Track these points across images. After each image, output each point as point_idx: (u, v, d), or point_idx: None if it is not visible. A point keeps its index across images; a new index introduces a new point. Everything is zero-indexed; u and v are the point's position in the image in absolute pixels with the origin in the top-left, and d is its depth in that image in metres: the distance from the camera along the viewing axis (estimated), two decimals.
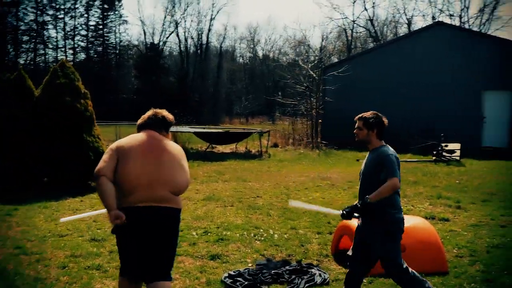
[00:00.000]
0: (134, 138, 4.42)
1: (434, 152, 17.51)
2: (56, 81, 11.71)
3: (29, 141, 11.20)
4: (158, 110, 4.65)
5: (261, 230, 7.85)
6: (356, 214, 4.68)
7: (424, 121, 21.81)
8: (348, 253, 4.97)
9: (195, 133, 20.95)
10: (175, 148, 4.47)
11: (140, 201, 4.13)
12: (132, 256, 4.31)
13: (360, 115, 4.76)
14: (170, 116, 4.65)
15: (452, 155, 17.21)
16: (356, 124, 4.76)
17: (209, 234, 7.64)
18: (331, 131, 23.46)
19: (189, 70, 65.57)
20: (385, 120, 4.72)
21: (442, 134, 17.74)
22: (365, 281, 5.67)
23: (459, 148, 17.21)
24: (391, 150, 4.62)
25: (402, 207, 4.70)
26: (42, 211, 9.32)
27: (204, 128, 25.70)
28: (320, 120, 24.93)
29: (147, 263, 4.25)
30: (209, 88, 65.73)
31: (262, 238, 7.40)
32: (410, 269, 4.61)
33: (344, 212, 4.69)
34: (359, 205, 4.54)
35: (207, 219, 8.70)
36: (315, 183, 12.84)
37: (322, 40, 56.17)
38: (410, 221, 6.38)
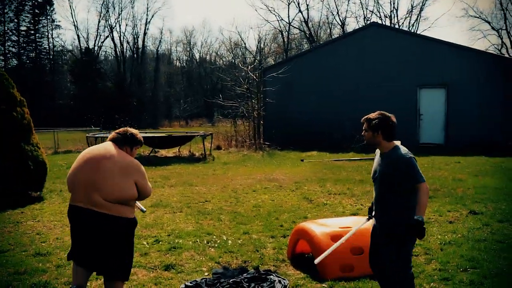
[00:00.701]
0: (93, 147, 4.76)
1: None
2: None
3: None
4: (130, 129, 4.86)
5: (214, 236, 7.59)
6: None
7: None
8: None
9: None
10: (125, 160, 4.56)
11: (79, 201, 4.45)
12: (75, 247, 4.59)
13: (365, 116, 4.52)
14: (138, 136, 4.84)
15: None
16: (363, 126, 4.50)
17: (160, 242, 7.32)
18: (273, 132, 23.40)
19: (126, 75, 64.40)
20: (393, 119, 4.44)
21: None
22: (326, 285, 5.53)
23: (399, 145, 17.43)
24: (406, 151, 4.35)
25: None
26: None
27: (146, 132, 25.09)
28: (261, 122, 24.83)
29: (92, 260, 4.52)
30: (147, 92, 64.84)
31: (216, 245, 7.15)
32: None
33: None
34: (414, 224, 4.08)
35: (157, 226, 8.36)
36: (263, 185, 12.66)
37: (258, 42, 56.44)
38: (366, 222, 6.30)
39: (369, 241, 4.69)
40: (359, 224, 4.98)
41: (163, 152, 21.26)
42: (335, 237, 5.76)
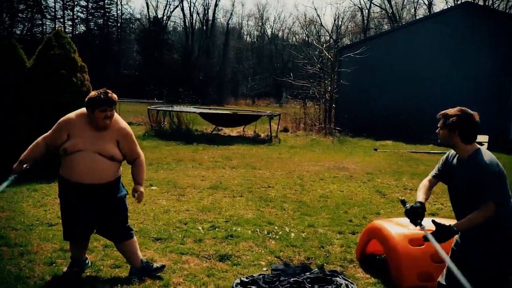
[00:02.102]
0: None
1: None
2: (50, 51, 11.05)
3: (18, 116, 10.60)
4: (104, 90, 4.97)
5: (276, 227, 7.26)
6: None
7: (446, 109, 21.14)
8: (439, 280, 4.17)
9: (200, 113, 20.30)
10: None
11: None
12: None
13: (442, 111, 4.00)
14: (95, 95, 4.90)
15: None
16: (439, 123, 4.01)
17: (217, 229, 7.05)
18: (345, 117, 22.82)
19: (194, 47, 64.79)
20: (475, 118, 3.88)
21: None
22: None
23: (487, 140, 16.51)
24: (490, 157, 3.78)
25: None
26: (31, 195, 8.75)
27: (210, 108, 25.06)
28: (333, 105, 24.29)
29: None
30: (214, 67, 65.03)
31: (277, 237, 6.80)
32: None
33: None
34: (440, 230, 3.74)
35: (215, 211, 8.11)
36: (331, 174, 12.23)
37: (335, 20, 55.41)
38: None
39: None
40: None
41: (226, 131, 21.11)
42: (414, 240, 5.31)
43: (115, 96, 5.00)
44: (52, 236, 6.34)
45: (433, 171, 4.21)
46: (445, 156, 4.17)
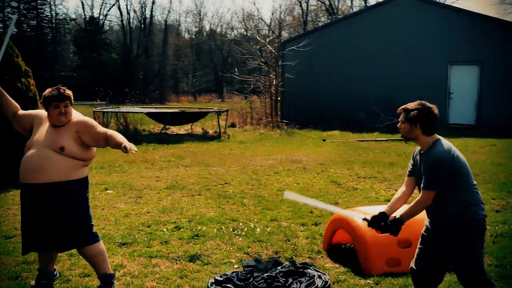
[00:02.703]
0: None
1: None
2: None
3: None
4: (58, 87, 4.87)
5: (240, 223, 7.28)
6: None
7: (387, 97, 21.56)
8: (411, 265, 4.31)
9: (147, 113, 20.09)
10: None
11: None
12: None
13: (403, 106, 4.15)
14: (46, 93, 4.83)
15: None
16: (400, 117, 4.16)
17: (181, 229, 7.01)
18: (291, 110, 23.05)
19: (132, 46, 63.91)
20: (435, 111, 4.05)
21: None
22: (370, 281, 5.21)
23: (441, 139, 17.02)
24: (445, 148, 3.96)
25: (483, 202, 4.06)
26: None
27: (156, 108, 24.79)
28: (279, 98, 24.46)
29: None
30: (154, 65, 64.33)
31: (243, 233, 6.83)
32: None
33: (367, 219, 4.23)
34: (389, 222, 4.04)
35: (176, 211, 8.06)
36: (285, 167, 12.34)
37: (272, 14, 55.68)
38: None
39: (415, 233, 4.35)
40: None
41: (174, 129, 20.97)
42: None
43: (68, 91, 4.85)
44: (13, 249, 6.17)
45: (408, 169, 4.32)
46: (413, 153, 4.29)
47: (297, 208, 8.20)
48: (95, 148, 4.99)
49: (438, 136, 4.07)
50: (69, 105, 4.84)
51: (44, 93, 4.81)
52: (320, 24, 50.98)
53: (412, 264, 4.27)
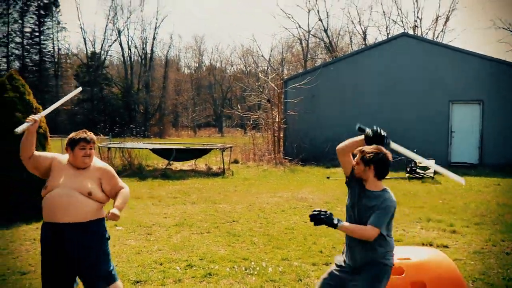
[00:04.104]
0: None
1: (408, 169, 17.41)
2: (4, 94, 10.89)
3: None
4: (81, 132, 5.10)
5: (252, 262, 7.33)
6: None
7: (389, 135, 21.76)
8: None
9: (153, 149, 20.21)
10: None
11: None
12: None
13: (360, 148, 4.42)
14: (72, 136, 5.03)
15: (426, 171, 17.14)
16: (356, 157, 4.44)
17: (194, 268, 7.07)
18: (294, 146, 23.21)
19: (133, 81, 64.48)
20: (388, 157, 4.35)
21: (414, 150, 17.57)
22: None
23: (433, 164, 17.06)
24: (393, 197, 4.35)
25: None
26: None
27: (160, 143, 24.91)
28: (281, 135, 24.64)
29: None
30: (154, 99, 64.83)
31: (255, 272, 6.88)
32: None
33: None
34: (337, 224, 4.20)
35: (186, 249, 8.12)
36: (291, 205, 12.41)
37: (271, 50, 56.30)
38: (425, 253, 6.04)
39: (429, 275, 4.57)
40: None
41: (177, 165, 21.05)
42: (394, 270, 5.48)
43: (93, 135, 5.06)
44: (29, 286, 6.22)
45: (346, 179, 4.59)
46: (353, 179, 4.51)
47: (307, 247, 8.27)
48: None
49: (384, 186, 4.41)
50: (93, 148, 5.01)
51: (70, 135, 4.99)
52: (319, 61, 51.57)
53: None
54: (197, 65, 77.98)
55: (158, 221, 10.35)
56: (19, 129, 4.67)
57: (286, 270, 7.01)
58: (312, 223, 4.23)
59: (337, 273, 4.48)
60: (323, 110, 23.89)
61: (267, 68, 48.44)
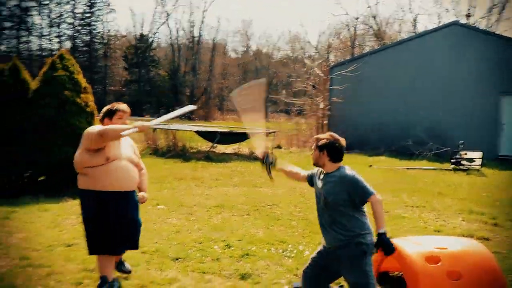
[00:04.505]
0: None
1: (453, 160, 17.17)
2: (54, 73, 11.21)
3: (23, 138, 10.74)
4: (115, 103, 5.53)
5: (289, 245, 7.44)
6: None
7: (435, 125, 21.50)
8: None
9: (197, 131, 20.46)
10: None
11: None
12: None
13: (315, 136, 4.82)
14: (114, 106, 5.46)
15: (472, 163, 16.88)
16: (313, 145, 4.76)
17: (232, 248, 7.23)
18: (336, 133, 23.10)
19: (180, 64, 65.02)
20: (341, 142, 4.68)
21: (461, 142, 17.38)
22: None
23: (480, 156, 16.83)
24: (350, 169, 4.63)
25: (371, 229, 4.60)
26: (42, 215, 8.88)
27: (205, 126, 25.16)
28: (324, 121, 24.58)
29: None
30: (201, 83, 65.24)
31: (292, 255, 6.99)
32: None
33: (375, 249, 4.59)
34: (381, 241, 4.44)
35: (226, 230, 8.29)
36: None
37: (319, 36, 55.86)
38: (463, 243, 6.03)
39: (466, 265, 4.95)
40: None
41: (221, 148, 21.26)
42: (430, 259, 5.52)
43: (127, 106, 5.52)
44: (74, 257, 6.47)
45: (305, 172, 5.08)
46: (316, 171, 4.89)
47: None
48: None
49: (341, 165, 4.68)
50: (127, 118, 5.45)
51: (107, 107, 5.42)
52: (367, 48, 50.95)
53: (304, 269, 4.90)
54: (244, 50, 78.07)
55: (199, 201, 10.55)
56: (125, 133, 5.08)
57: None
58: None
59: (318, 255, 4.82)
60: (369, 97, 23.67)
61: (314, 54, 48.25)
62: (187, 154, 18.46)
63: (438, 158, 19.40)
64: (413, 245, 5.83)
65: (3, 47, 55.81)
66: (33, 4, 57.38)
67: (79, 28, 60.88)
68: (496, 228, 9.10)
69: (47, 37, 59.32)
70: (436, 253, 5.61)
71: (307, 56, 52.61)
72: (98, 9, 61.44)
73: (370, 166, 17.60)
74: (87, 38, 61.35)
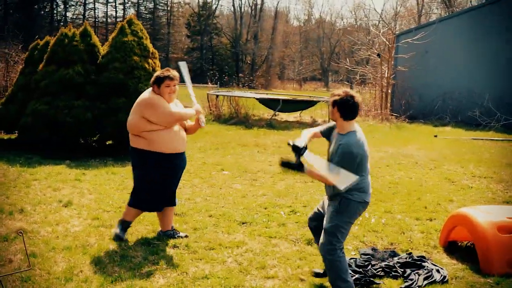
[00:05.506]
0: None
1: None
2: (123, 38, 11.41)
3: (92, 101, 11.02)
4: (165, 70, 5.68)
5: None
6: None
7: (503, 96, 20.78)
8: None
9: (259, 99, 20.51)
10: (138, 99, 5.69)
11: None
12: None
13: (332, 92, 4.69)
14: (164, 73, 5.61)
15: None
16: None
17: (297, 214, 7.28)
18: (401, 103, 22.73)
19: (242, 32, 65.02)
20: (356, 100, 4.47)
21: None
22: (491, 280, 5.21)
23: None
24: (356, 141, 4.47)
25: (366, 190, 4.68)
26: (110, 178, 9.15)
27: (267, 94, 25.20)
28: (389, 91, 24.18)
29: None
30: (262, 51, 65.13)
31: (358, 222, 6.94)
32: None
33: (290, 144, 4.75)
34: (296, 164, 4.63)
35: (290, 196, 8.34)
36: (396, 160, 12.28)
37: (384, 4, 54.57)
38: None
39: None
40: None
41: (283, 116, 21.26)
42: (502, 228, 5.41)
43: (176, 73, 5.69)
44: (142, 218, 6.63)
45: (321, 127, 5.03)
46: (332, 124, 4.84)
47: (411, 202, 8.24)
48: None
49: (356, 128, 4.58)
50: (176, 85, 5.69)
51: (156, 74, 5.64)
52: (434, 16, 49.56)
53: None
54: (307, 18, 77.27)
55: (263, 168, 10.62)
56: (203, 124, 5.85)
57: (388, 223, 7.05)
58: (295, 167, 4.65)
59: (321, 203, 5.10)
60: (435, 67, 23.10)
61: (379, 22, 47.26)
62: (249, 121, 18.55)
63: (506, 129, 18.84)
64: (484, 215, 5.72)
65: (69, 14, 57.20)
66: None
67: None
68: None
69: (112, 4, 60.34)
70: (508, 223, 5.50)
71: (371, 24, 51.75)
72: None
73: (435, 136, 17.27)
74: (151, 5, 62.20)
